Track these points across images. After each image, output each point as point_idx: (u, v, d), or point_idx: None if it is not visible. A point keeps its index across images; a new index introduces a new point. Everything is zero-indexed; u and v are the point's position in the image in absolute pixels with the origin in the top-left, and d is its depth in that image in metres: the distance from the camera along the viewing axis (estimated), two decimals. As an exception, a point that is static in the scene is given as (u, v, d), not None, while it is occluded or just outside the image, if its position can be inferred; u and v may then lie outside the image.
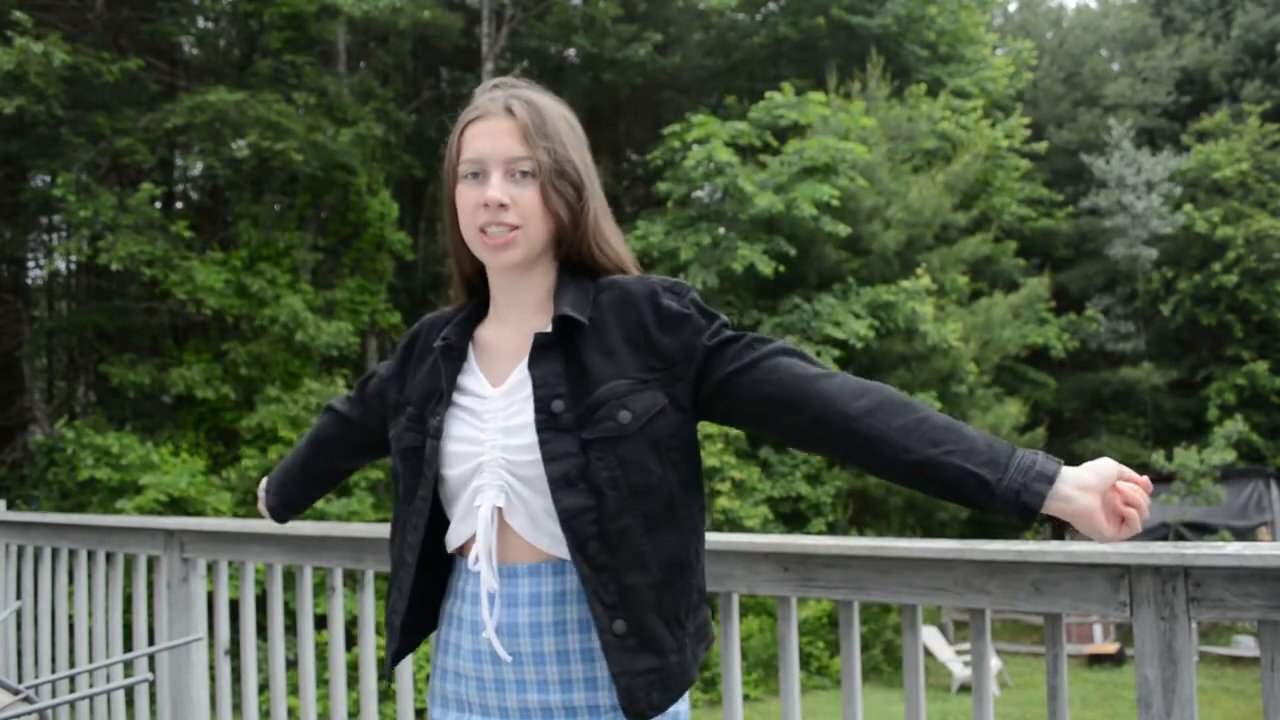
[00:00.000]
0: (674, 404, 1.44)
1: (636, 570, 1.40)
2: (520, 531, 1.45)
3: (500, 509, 1.45)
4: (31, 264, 16.59)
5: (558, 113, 1.53)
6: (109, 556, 3.31)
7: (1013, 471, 1.28)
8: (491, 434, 1.46)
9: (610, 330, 1.46)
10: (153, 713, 3.17)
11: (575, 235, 1.51)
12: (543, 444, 1.42)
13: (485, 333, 1.58)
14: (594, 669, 1.44)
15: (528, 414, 1.44)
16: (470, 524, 1.47)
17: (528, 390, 1.45)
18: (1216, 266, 21.58)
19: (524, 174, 1.46)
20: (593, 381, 1.43)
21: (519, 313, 1.55)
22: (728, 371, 1.43)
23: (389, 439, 1.61)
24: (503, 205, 1.45)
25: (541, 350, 1.45)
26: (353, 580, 9.80)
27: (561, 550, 1.44)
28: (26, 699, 1.69)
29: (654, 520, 1.42)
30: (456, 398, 1.52)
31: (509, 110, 1.49)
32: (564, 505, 1.40)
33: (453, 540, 1.52)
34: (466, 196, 1.49)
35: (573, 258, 1.54)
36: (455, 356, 1.55)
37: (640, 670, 1.40)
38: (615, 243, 1.56)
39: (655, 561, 1.41)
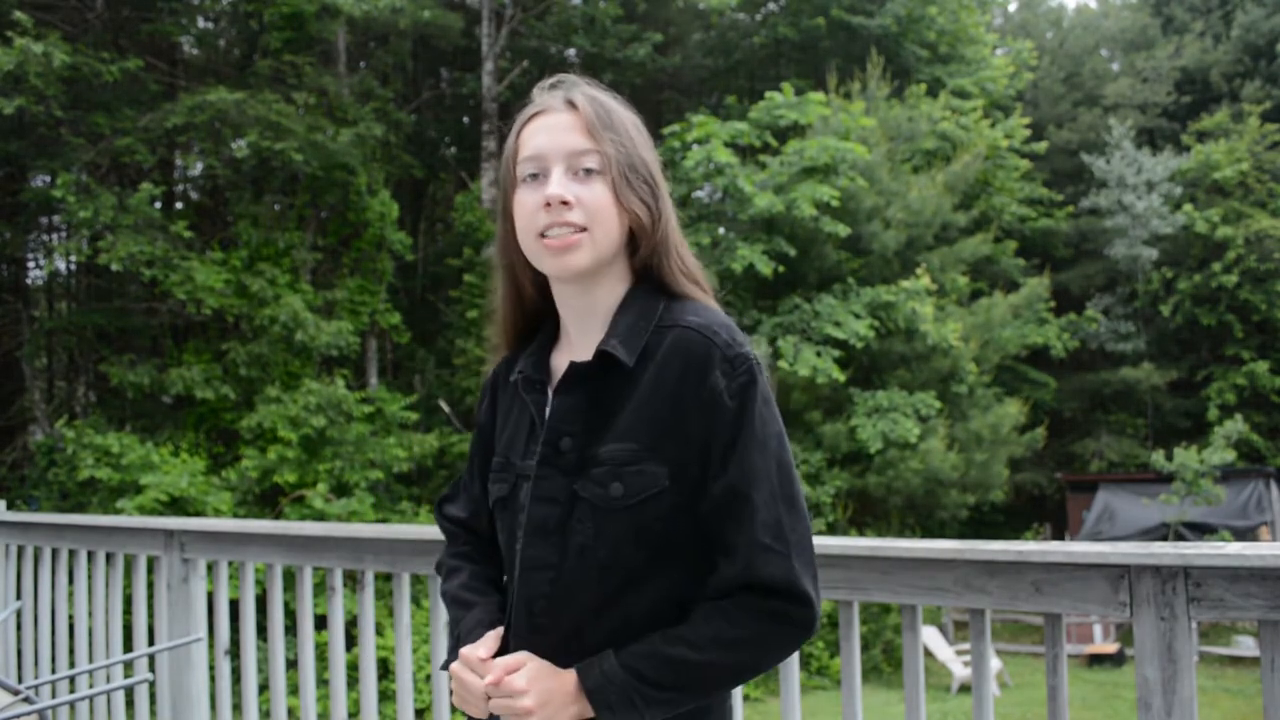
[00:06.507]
0: (678, 482, 1.31)
1: (575, 645, 1.32)
2: None
3: None
4: (31, 264, 16.59)
5: (624, 112, 1.40)
6: (109, 557, 3.31)
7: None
8: None
9: (651, 378, 1.32)
10: (153, 713, 3.17)
11: (651, 240, 1.37)
12: (538, 479, 1.34)
13: (558, 360, 1.43)
14: None
15: None
16: None
17: None
18: (1216, 266, 21.59)
19: (589, 171, 1.33)
20: (609, 430, 1.32)
21: (588, 333, 1.40)
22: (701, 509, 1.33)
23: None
24: (565, 203, 1.31)
25: (572, 381, 1.35)
26: (352, 580, 9.81)
27: None
28: (26, 699, 1.69)
29: (608, 596, 1.32)
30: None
31: (570, 103, 1.36)
32: (530, 553, 1.33)
33: None
34: (525, 200, 1.34)
35: (646, 270, 1.39)
36: (537, 389, 1.41)
37: None
38: (690, 255, 1.42)
39: (599, 641, 1.32)
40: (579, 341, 1.41)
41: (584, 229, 1.31)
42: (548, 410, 1.38)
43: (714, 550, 1.32)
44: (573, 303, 1.40)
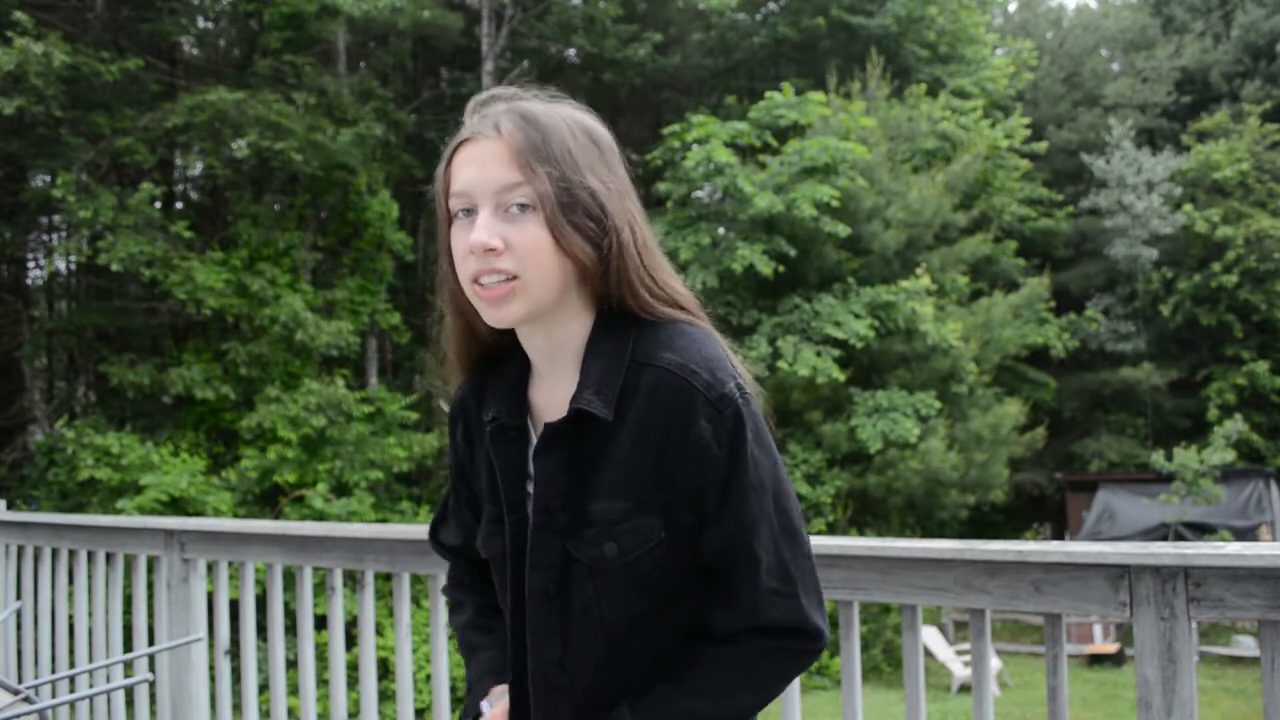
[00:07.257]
0: (673, 530, 1.26)
1: (591, 697, 1.31)
2: None
3: None
4: (31, 264, 16.60)
5: (569, 124, 1.24)
6: (109, 557, 3.31)
7: None
8: None
9: (632, 427, 1.24)
10: (153, 713, 3.17)
11: (605, 279, 1.25)
12: (533, 548, 1.29)
13: (537, 396, 1.34)
14: None
15: None
16: None
17: None
18: (1216, 266, 21.59)
19: (522, 207, 1.20)
20: (595, 486, 1.26)
21: (559, 370, 1.31)
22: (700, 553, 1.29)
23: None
24: (492, 249, 1.18)
25: (550, 442, 1.27)
26: (352, 580, 9.81)
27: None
28: (26, 699, 1.69)
29: (617, 647, 1.31)
30: (531, 487, 1.32)
31: (497, 129, 1.22)
32: (537, 621, 1.30)
33: None
34: (458, 242, 1.23)
35: (610, 301, 1.28)
36: (514, 438, 1.33)
37: None
38: (664, 277, 1.29)
39: (614, 689, 1.31)
40: (552, 377, 1.32)
41: (515, 276, 1.19)
42: (530, 460, 1.32)
43: (716, 587, 1.30)
44: (534, 344, 1.30)
